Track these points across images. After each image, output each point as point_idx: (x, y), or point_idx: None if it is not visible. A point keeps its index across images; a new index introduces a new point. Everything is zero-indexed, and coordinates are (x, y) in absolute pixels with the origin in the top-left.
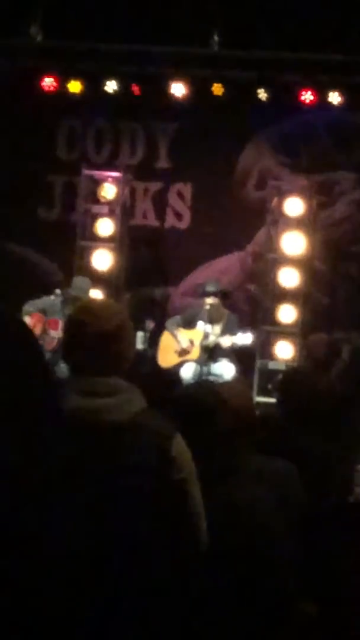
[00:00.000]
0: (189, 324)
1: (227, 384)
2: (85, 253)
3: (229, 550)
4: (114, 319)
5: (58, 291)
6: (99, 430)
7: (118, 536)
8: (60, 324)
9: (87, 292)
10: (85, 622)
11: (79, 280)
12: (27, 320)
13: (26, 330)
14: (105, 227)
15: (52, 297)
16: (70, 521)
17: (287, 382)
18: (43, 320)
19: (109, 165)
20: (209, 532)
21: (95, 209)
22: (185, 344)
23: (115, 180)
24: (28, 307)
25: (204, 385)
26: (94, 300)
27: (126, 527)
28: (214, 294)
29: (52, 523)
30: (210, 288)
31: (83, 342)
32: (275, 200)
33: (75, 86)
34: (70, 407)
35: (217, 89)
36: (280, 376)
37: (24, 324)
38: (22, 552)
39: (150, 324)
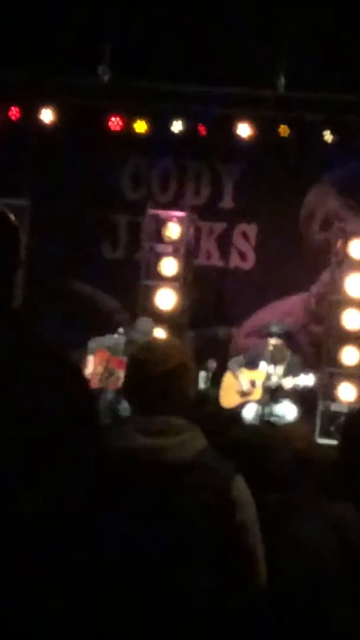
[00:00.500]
0: (252, 364)
1: (288, 424)
2: (149, 292)
3: (290, 592)
4: (176, 358)
5: (121, 330)
6: (160, 469)
7: (178, 577)
8: (124, 364)
9: (150, 334)
10: None
11: (142, 322)
12: (91, 358)
13: (79, 370)
14: (169, 266)
15: (116, 335)
16: (130, 562)
17: (350, 423)
18: (107, 357)
19: (174, 205)
20: (270, 573)
21: (160, 248)
22: (247, 385)
23: (180, 220)
24: (92, 344)
25: (259, 426)
26: (156, 340)
27: (187, 568)
28: (278, 335)
29: (113, 565)
30: (274, 329)
31: (145, 381)
32: (340, 242)
33: (141, 126)
34: (131, 446)
35: (284, 130)
36: (342, 418)
37: (77, 365)
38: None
39: (212, 364)
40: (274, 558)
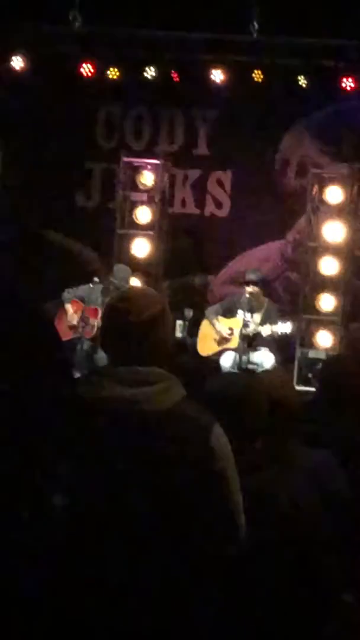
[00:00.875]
0: (229, 312)
1: (268, 373)
2: (124, 241)
3: (269, 540)
4: (154, 307)
5: (97, 279)
6: (138, 419)
7: (156, 526)
8: (99, 312)
9: (128, 281)
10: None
11: (120, 269)
12: (68, 308)
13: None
14: (144, 215)
15: (91, 285)
16: (106, 510)
17: (328, 370)
18: (82, 307)
19: (148, 153)
20: (249, 522)
21: (134, 196)
22: (225, 332)
23: (154, 168)
24: (67, 294)
25: (237, 375)
26: (132, 289)
27: (164, 517)
28: (255, 283)
29: (87, 513)
30: (251, 276)
31: (122, 331)
32: (315, 188)
33: (113, 73)
34: (108, 396)
35: (257, 75)
36: (320, 365)
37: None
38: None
39: (189, 313)
40: (253, 507)
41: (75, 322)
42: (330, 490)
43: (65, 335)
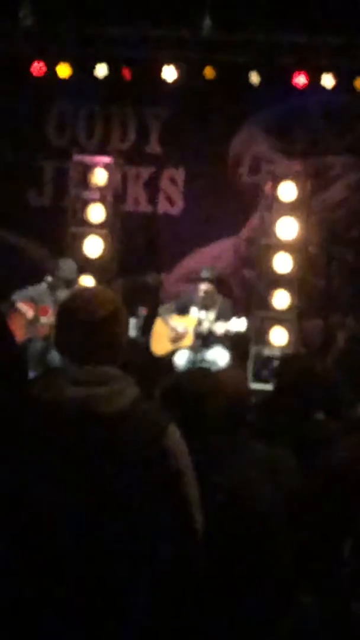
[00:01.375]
0: (183, 310)
1: (222, 370)
2: (77, 239)
3: (227, 538)
4: (107, 306)
5: (49, 278)
6: (91, 420)
7: (112, 528)
8: (51, 310)
9: (74, 272)
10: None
11: (65, 263)
12: (22, 306)
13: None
14: (96, 213)
15: (43, 284)
16: (62, 512)
17: (284, 367)
18: (34, 307)
19: (100, 151)
20: (206, 521)
21: (86, 194)
22: (178, 330)
23: (106, 166)
24: (16, 297)
25: (195, 372)
26: (86, 288)
27: (120, 519)
28: (209, 280)
29: (42, 515)
30: (204, 274)
31: (75, 330)
32: (269, 184)
33: (64, 70)
34: (63, 397)
35: (209, 72)
36: (276, 362)
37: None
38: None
39: (143, 311)
40: (211, 504)
41: (25, 323)
42: (287, 485)
43: (18, 336)
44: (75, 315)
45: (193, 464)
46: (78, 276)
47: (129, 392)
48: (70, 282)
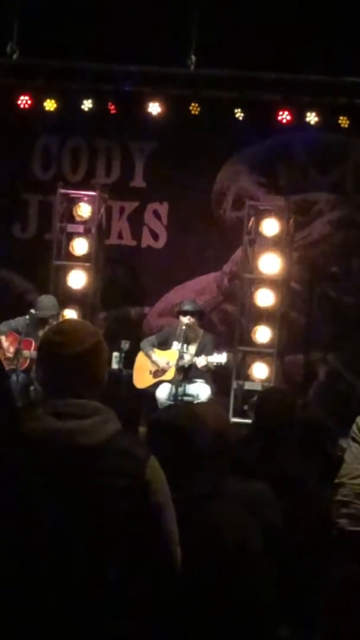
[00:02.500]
0: (164, 344)
1: (203, 405)
2: (61, 272)
3: (207, 573)
4: (88, 340)
5: (33, 311)
6: (72, 453)
7: (89, 561)
8: (34, 344)
9: (55, 308)
10: None
11: (43, 300)
12: (3, 340)
13: None
14: (80, 246)
15: (27, 317)
16: (40, 544)
17: (263, 402)
18: (18, 339)
19: (85, 184)
20: (189, 556)
21: (71, 228)
22: (160, 364)
23: (91, 199)
24: (2, 327)
25: (181, 407)
26: (68, 321)
27: (98, 552)
28: (191, 314)
29: (20, 547)
30: (186, 308)
31: (57, 363)
32: (252, 220)
33: (51, 104)
34: (43, 429)
35: (194, 108)
36: (256, 397)
37: None
38: None
39: (125, 345)
40: (195, 538)
41: (10, 354)
42: (268, 520)
43: None
44: (56, 349)
45: (175, 499)
46: (59, 311)
47: (110, 425)
48: (52, 317)
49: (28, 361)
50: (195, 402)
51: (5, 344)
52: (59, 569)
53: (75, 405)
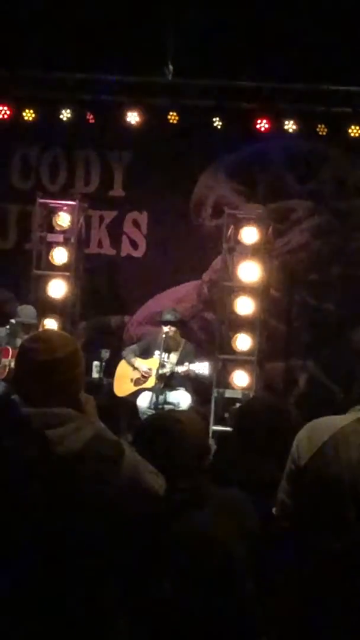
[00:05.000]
0: (146, 352)
1: (182, 412)
2: (41, 282)
3: (191, 582)
4: (64, 348)
5: (13, 321)
6: (50, 461)
7: (76, 567)
8: (11, 352)
9: (33, 317)
10: None
11: (24, 309)
12: None
13: None
14: (60, 255)
15: (8, 326)
16: (21, 554)
17: (245, 410)
18: None
19: (64, 194)
20: (174, 562)
21: (51, 237)
22: (142, 369)
23: (70, 209)
24: None
25: (167, 414)
26: (45, 330)
27: (83, 558)
28: (172, 323)
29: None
30: (167, 317)
31: (32, 371)
32: (231, 228)
33: (29, 114)
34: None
35: (173, 117)
36: (236, 405)
37: None
38: None
39: (106, 354)
40: (178, 547)
41: None
42: (248, 529)
43: None
44: (33, 356)
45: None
46: (38, 320)
47: (85, 431)
48: (31, 327)
49: (7, 370)
50: (177, 410)
51: None
52: (41, 579)
53: (49, 413)
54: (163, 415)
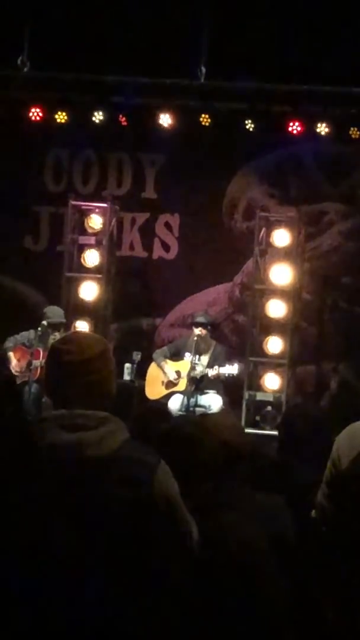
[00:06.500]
0: (177, 355)
1: (216, 416)
2: (72, 284)
3: (217, 584)
4: (95, 349)
5: (45, 322)
6: (81, 464)
7: (108, 570)
8: (42, 353)
9: (61, 317)
10: None
11: (51, 309)
12: (11, 356)
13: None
14: (92, 258)
15: (39, 328)
16: (52, 556)
17: (287, 420)
18: (28, 351)
19: (96, 196)
20: (196, 567)
21: (82, 240)
22: (172, 375)
23: (102, 211)
24: (8, 343)
25: (189, 418)
26: (76, 332)
27: (115, 560)
28: (203, 325)
29: (33, 561)
30: (199, 319)
31: (63, 373)
32: (263, 231)
33: (62, 117)
34: (52, 442)
35: (205, 119)
36: (268, 408)
37: None
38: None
39: (137, 356)
40: (204, 548)
41: (20, 368)
42: (279, 533)
43: None
44: (63, 357)
45: (188, 507)
46: (70, 322)
47: (118, 435)
48: (59, 326)
49: (39, 370)
50: (208, 412)
51: (13, 360)
52: (70, 580)
53: (82, 416)
54: (184, 418)
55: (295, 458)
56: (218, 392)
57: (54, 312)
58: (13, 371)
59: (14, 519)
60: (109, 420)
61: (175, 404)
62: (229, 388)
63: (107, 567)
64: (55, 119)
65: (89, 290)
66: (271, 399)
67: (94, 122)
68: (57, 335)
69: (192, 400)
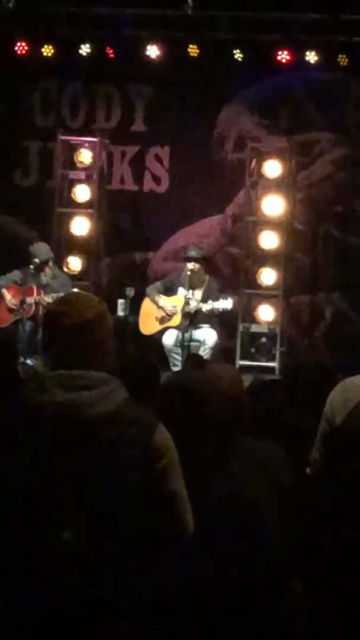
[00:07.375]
0: (170, 290)
1: (216, 367)
2: (63, 220)
3: (223, 533)
4: (92, 310)
5: (37, 260)
6: (80, 424)
7: (102, 528)
8: (35, 290)
9: (48, 252)
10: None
11: (35, 248)
12: (5, 293)
13: None
14: (82, 192)
15: (31, 266)
16: (52, 515)
17: (298, 365)
18: (20, 290)
19: (86, 130)
20: (204, 518)
21: (72, 175)
22: (169, 307)
23: (92, 145)
24: (0, 281)
25: (194, 371)
26: (72, 293)
27: (111, 520)
28: (196, 260)
29: (35, 518)
30: (192, 253)
31: (60, 333)
32: (254, 162)
33: (48, 50)
34: (50, 402)
35: (193, 50)
36: (263, 339)
37: None
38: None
39: (130, 291)
40: (209, 501)
41: (13, 305)
42: (280, 482)
43: (5, 321)
44: (60, 318)
45: (190, 462)
46: (52, 255)
47: (116, 395)
48: (48, 261)
49: (33, 307)
50: (203, 347)
51: (7, 296)
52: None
53: (80, 376)
54: (189, 372)
55: (292, 405)
56: (212, 326)
57: (40, 250)
58: (5, 309)
59: (13, 477)
60: (107, 380)
61: (169, 339)
62: (223, 321)
63: (107, 526)
64: (42, 53)
65: (80, 226)
66: (266, 330)
67: (81, 54)
68: (47, 271)
69: (187, 335)
